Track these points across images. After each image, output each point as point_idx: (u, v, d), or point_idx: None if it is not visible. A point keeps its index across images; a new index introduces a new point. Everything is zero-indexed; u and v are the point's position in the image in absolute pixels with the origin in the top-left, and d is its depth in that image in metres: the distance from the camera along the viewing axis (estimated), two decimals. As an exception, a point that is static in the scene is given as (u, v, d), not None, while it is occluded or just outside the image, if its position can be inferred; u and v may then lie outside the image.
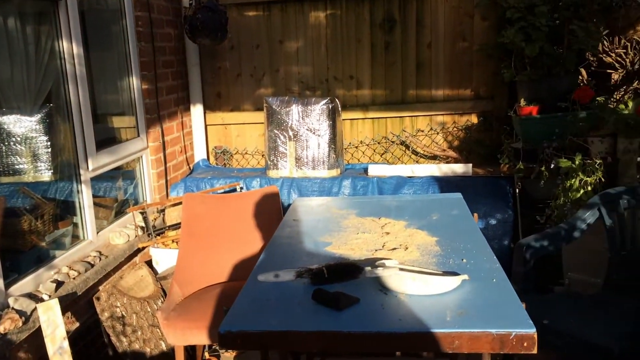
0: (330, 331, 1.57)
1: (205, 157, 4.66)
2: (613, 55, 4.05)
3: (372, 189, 3.84)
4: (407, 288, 1.74)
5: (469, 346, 1.53)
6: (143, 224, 3.43)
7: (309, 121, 3.96)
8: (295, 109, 3.96)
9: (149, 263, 3.43)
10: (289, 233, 2.43)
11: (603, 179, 2.90)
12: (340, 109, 4.09)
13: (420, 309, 1.65)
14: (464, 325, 1.54)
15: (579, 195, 2.88)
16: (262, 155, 4.66)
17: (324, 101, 3.95)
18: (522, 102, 3.55)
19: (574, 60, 3.57)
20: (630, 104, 3.33)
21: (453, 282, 1.76)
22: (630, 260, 2.62)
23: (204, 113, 4.65)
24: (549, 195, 3.37)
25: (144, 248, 3.41)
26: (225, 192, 3.90)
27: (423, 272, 1.82)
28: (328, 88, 4.55)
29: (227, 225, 3.12)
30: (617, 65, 4.07)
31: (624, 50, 3.97)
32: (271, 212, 3.15)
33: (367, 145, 4.57)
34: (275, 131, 4.02)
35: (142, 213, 3.41)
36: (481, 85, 4.37)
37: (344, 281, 1.85)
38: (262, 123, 4.53)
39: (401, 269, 1.77)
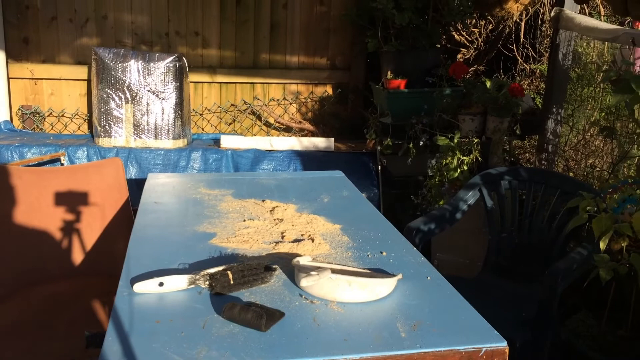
0: (261, 366, 1.14)
1: (9, 118, 3.72)
2: (464, 33, 4.09)
3: (226, 163, 3.37)
4: (340, 295, 1.37)
5: (433, 369, 1.23)
6: None
7: (152, 81, 3.33)
8: (134, 65, 3.30)
9: None
10: (153, 221, 1.90)
11: (480, 158, 2.83)
12: (188, 69, 3.52)
13: (364, 323, 1.30)
14: (425, 342, 1.23)
15: (456, 174, 2.77)
16: (85, 119, 3.87)
17: (171, 58, 3.34)
18: (390, 74, 3.36)
19: (439, 34, 3.48)
20: (489, 83, 3.34)
21: (391, 283, 1.44)
22: (510, 243, 2.58)
23: (7, 63, 3.70)
24: (414, 172, 3.25)
25: None
26: (40, 165, 3.11)
27: (354, 273, 1.47)
28: (168, 44, 3.91)
29: (54, 208, 2.43)
30: (467, 43, 4.12)
31: (477, 30, 4.02)
32: (114, 193, 2.53)
33: (214, 113, 4.05)
34: (108, 90, 3.31)
35: None
36: (338, 54, 4.12)
37: (253, 286, 1.42)
38: (85, 80, 3.76)
39: (333, 271, 1.39)
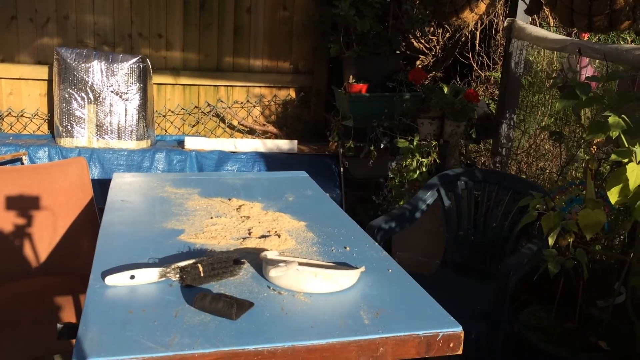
0: (232, 350, 1.19)
1: (-35, 118, 3.65)
2: (423, 41, 4.23)
3: (190, 164, 3.40)
4: (306, 286, 1.44)
5: (394, 352, 1.31)
6: None
7: (115, 82, 3.33)
8: (97, 66, 3.29)
9: None
10: (120, 218, 1.92)
11: (438, 160, 2.95)
12: (151, 70, 3.53)
13: (330, 311, 1.37)
14: (387, 328, 1.31)
15: (415, 176, 2.88)
16: (45, 120, 3.82)
17: (134, 59, 3.35)
18: (351, 79, 3.46)
19: (399, 41, 3.60)
20: (446, 89, 3.48)
21: (354, 275, 1.51)
22: (466, 241, 2.69)
23: (-36, 62, 3.63)
24: (375, 174, 3.35)
25: None
26: (0, 164, 3.07)
27: (320, 266, 1.54)
28: (132, 46, 3.91)
29: (16, 208, 2.42)
30: (426, 50, 4.26)
31: (435, 37, 4.17)
32: (78, 192, 2.53)
33: (177, 114, 4.06)
34: (70, 90, 3.30)
35: None
36: (300, 59, 4.20)
37: (222, 279, 1.47)
38: (46, 80, 3.73)
39: (299, 264, 1.46)
